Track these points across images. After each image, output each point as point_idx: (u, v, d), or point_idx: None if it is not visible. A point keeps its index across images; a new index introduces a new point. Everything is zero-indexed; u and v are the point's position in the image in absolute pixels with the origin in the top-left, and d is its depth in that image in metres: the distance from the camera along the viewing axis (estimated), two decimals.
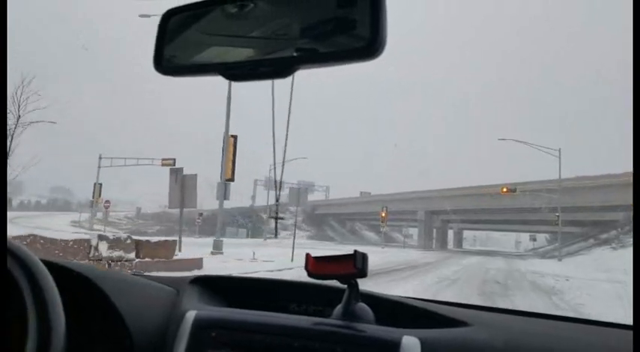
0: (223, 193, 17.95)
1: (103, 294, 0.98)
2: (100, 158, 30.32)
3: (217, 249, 17.59)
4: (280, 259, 15.66)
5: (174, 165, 30.03)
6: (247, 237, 50.27)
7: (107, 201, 29.04)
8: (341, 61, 0.68)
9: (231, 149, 18.19)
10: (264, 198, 70.74)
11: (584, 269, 21.08)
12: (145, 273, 1.49)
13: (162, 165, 29.90)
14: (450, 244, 69.70)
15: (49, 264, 0.79)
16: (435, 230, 59.65)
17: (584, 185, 34.78)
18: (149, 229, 58.36)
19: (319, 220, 71.43)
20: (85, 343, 0.94)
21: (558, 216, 30.20)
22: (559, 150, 30.77)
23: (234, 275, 1.47)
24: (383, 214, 40.91)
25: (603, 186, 34.79)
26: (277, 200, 1.59)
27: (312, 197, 74.69)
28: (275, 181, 1.30)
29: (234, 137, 18.60)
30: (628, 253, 24.24)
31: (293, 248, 16.69)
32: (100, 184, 28.42)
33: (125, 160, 33.48)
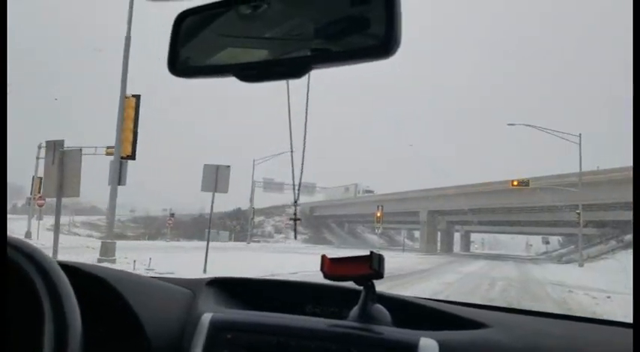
0: (118, 175, 13.21)
1: (119, 296, 0.98)
2: (40, 147, 26.13)
3: (106, 254, 13.06)
4: (189, 270, 10.94)
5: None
6: (230, 240, 46.31)
7: (41, 198, 24.64)
8: (355, 60, 0.68)
9: (131, 114, 13.79)
10: (264, 200, 67.84)
11: (614, 277, 16.55)
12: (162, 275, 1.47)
13: (107, 154, 25.54)
14: (457, 247, 65.86)
15: (63, 266, 0.78)
16: (439, 232, 55.35)
17: (606, 179, 29.99)
18: (131, 232, 55.05)
19: (317, 222, 67.85)
20: (102, 344, 0.94)
21: (579, 213, 25.60)
22: (579, 136, 26.15)
23: (251, 277, 1.37)
24: (378, 214, 36.83)
25: (625, 180, 30.05)
26: (296, 201, 1.44)
27: (313, 198, 71.69)
28: (293, 183, 1.22)
29: (136, 98, 14.06)
30: None
31: (206, 256, 12.41)
32: (40, 178, 24.16)
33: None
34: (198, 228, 50.61)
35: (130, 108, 13.82)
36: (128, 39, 14.63)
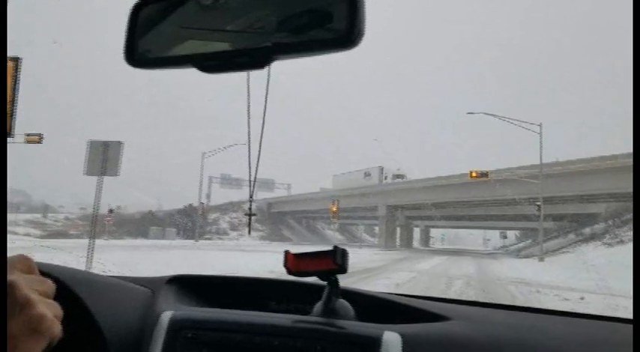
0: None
1: (74, 296, 0.94)
2: None
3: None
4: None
5: (40, 141, 23.00)
6: (178, 237, 43.84)
7: None
8: (318, 52, 0.67)
9: (10, 81, 10.78)
10: (222, 197, 65.31)
11: (579, 274, 15.20)
12: (120, 274, 1.40)
13: (27, 142, 22.67)
14: (417, 243, 65.03)
15: None
16: (399, 228, 54.21)
17: (567, 171, 29.10)
18: (75, 231, 51.89)
19: (275, 219, 65.73)
20: (56, 346, 0.82)
21: (539, 205, 24.44)
22: (540, 125, 24.98)
23: (212, 274, 1.34)
24: (334, 208, 35.14)
25: (583, 172, 29.24)
26: (251, 196, 1.44)
27: (273, 195, 69.57)
28: (250, 177, 1.19)
29: (15, 61, 11.22)
30: (631, 249, 18.62)
31: (89, 256, 10.13)
32: None
33: None
34: (146, 225, 48.21)
35: (8, 76, 11.12)
36: None
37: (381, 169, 55.82)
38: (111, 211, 37.11)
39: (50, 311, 0.58)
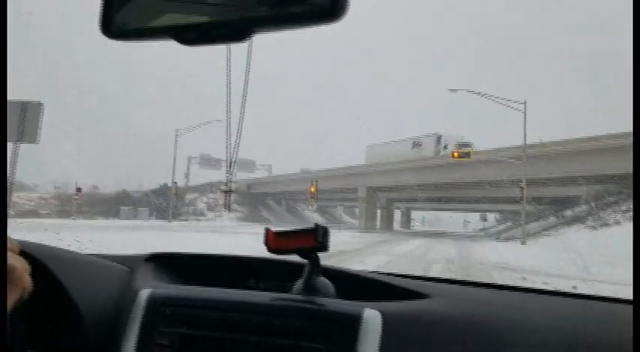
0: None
1: (49, 274, 0.93)
2: None
3: None
4: None
5: None
6: (151, 218, 42.53)
7: None
8: (301, 25, 0.65)
9: None
10: (201, 177, 63.94)
11: (564, 257, 14.42)
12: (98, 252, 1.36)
13: None
14: (397, 225, 64.68)
15: None
16: (379, 210, 53.58)
17: (548, 152, 28.39)
18: (46, 210, 50.24)
19: (254, 200, 64.67)
20: (31, 325, 0.92)
21: (523, 187, 23.68)
22: (524, 104, 24.06)
23: (191, 252, 1.32)
24: (312, 189, 34.03)
25: (564, 153, 28.59)
26: (230, 173, 1.39)
27: (253, 176, 68.42)
28: (228, 155, 1.20)
29: None
30: (616, 233, 17.96)
31: None
32: None
33: None
34: (120, 205, 46.85)
35: None
36: None
37: (438, 138, 45.09)
38: (78, 190, 35.55)
39: (19, 264, 0.59)
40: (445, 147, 42.71)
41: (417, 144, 47.23)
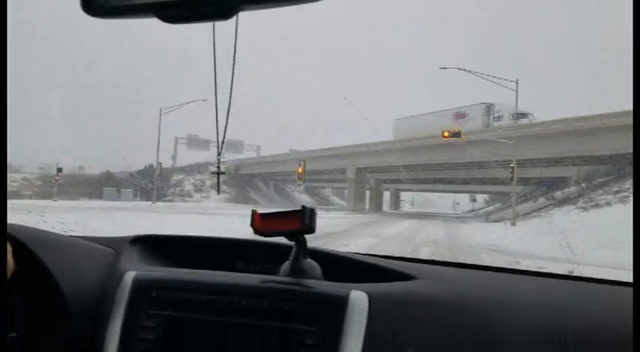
0: None
1: (33, 256, 0.92)
2: None
3: None
4: None
5: None
6: (135, 199, 41.86)
7: None
8: (288, 2, 0.64)
9: None
10: (188, 158, 63.21)
11: (555, 239, 14.04)
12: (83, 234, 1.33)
13: None
14: (386, 206, 64.51)
15: None
16: (368, 191, 53.27)
17: (537, 132, 27.97)
18: (29, 191, 49.43)
19: (243, 181, 64.08)
20: (16, 308, 0.91)
21: (513, 167, 23.32)
22: (516, 82, 23.55)
23: (178, 234, 1.30)
24: (300, 170, 33.47)
25: (553, 134, 28.17)
26: (219, 154, 1.33)
27: (242, 157, 67.71)
28: (217, 135, 1.16)
29: None
30: (609, 214, 17.65)
31: None
32: None
33: None
34: (102, 186, 46.08)
35: None
36: None
37: (488, 107, 38.20)
38: (59, 170, 34.70)
39: None
40: (498, 118, 36.68)
41: (460, 116, 40.62)
